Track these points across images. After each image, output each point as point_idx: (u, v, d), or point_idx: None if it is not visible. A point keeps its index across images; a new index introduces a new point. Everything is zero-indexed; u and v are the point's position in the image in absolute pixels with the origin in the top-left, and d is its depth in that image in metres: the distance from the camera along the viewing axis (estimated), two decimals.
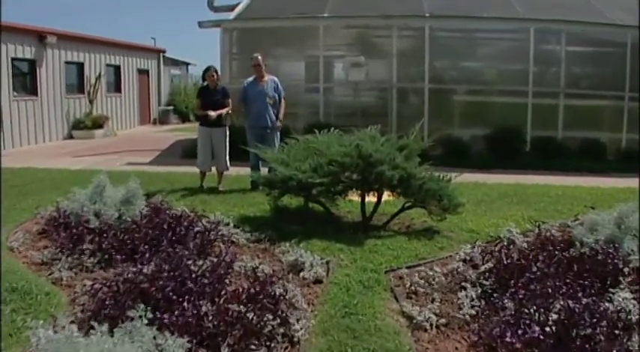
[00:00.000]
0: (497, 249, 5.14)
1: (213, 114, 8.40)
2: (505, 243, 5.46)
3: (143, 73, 23.81)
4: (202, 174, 8.93)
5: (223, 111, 8.61)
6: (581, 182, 10.06)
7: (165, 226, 5.81)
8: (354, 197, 6.68)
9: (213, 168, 8.91)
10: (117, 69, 21.50)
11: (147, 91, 24.30)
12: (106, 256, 5.38)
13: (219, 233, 5.92)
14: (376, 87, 13.70)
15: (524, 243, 5.49)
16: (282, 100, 8.77)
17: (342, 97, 14.11)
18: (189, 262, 4.78)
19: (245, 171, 9.10)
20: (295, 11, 13.38)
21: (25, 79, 16.40)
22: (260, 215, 7.04)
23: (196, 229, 5.90)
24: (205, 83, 8.80)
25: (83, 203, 6.32)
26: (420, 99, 12.70)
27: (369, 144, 5.92)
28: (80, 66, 18.86)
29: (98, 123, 18.57)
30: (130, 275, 4.46)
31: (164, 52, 26.05)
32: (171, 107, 25.49)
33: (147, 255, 5.18)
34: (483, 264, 4.91)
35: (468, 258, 5.26)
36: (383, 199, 6.51)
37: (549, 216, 7.22)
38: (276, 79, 8.81)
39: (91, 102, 18.85)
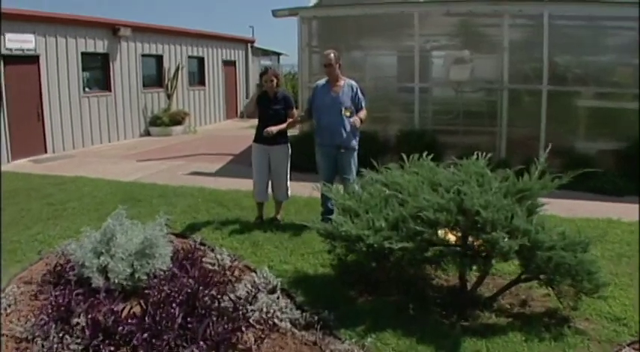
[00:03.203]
0: None
1: (273, 129, 6.59)
2: None
3: (229, 64, 22.58)
4: (260, 205, 7.15)
5: (284, 125, 6.79)
6: None
7: (180, 298, 4.18)
8: (450, 236, 4.68)
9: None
10: (200, 61, 20.34)
11: (234, 84, 23.09)
12: (95, 342, 3.86)
13: (256, 310, 4.22)
14: (483, 87, 11.31)
15: None
16: (364, 110, 6.73)
17: (442, 99, 11.83)
18: None
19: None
20: None
21: (98, 74, 15.39)
22: (321, 273, 5.26)
23: (224, 303, 4.24)
24: (263, 89, 6.96)
25: (85, 255, 4.80)
26: (536, 103, 10.30)
27: (476, 191, 3.98)
28: (159, 58, 17.77)
29: (176, 120, 17.45)
30: None
31: (253, 42, 24.72)
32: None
33: None
34: None
35: None
36: None
37: None
38: (354, 83, 6.77)
39: (169, 96, 17.78)
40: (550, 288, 4.28)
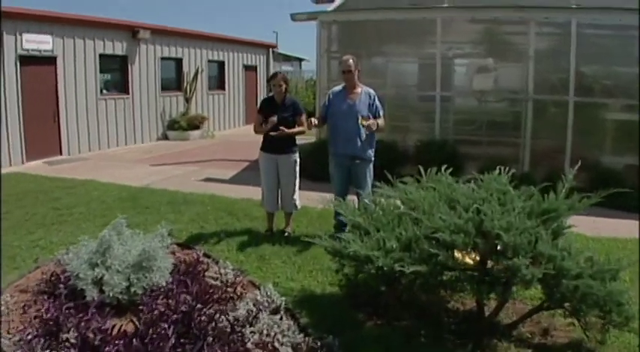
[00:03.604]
0: None
1: (284, 130, 6.28)
2: None
3: (250, 69, 22.38)
4: (270, 215, 6.83)
5: (294, 130, 6.48)
6: None
7: (175, 317, 3.90)
8: (468, 259, 4.31)
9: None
10: (221, 65, 20.17)
11: (254, 89, 22.86)
12: None
13: (256, 332, 3.93)
14: (507, 98, 10.86)
15: None
16: (382, 119, 6.38)
17: (464, 109, 11.38)
18: None
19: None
20: (408, 1, 10.97)
21: (116, 77, 15.27)
22: (329, 292, 4.94)
23: (222, 324, 3.94)
24: (271, 94, 6.64)
25: (80, 266, 4.54)
26: (562, 114, 9.85)
27: (497, 211, 3.64)
28: (178, 62, 17.61)
29: (194, 124, 17.25)
30: None
31: (274, 47, 24.55)
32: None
33: None
34: None
35: None
36: None
37: None
38: (372, 91, 6.44)
39: (187, 100, 17.59)
40: (575, 319, 3.92)
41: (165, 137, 16.89)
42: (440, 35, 10.43)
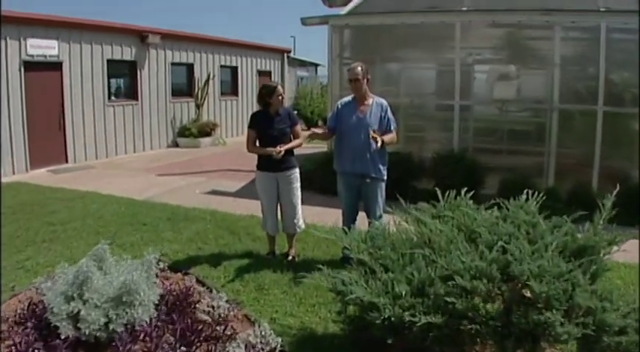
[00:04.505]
0: None
1: (280, 149, 5.68)
2: None
3: (264, 74, 21.91)
4: (271, 237, 6.27)
5: (294, 144, 5.93)
6: None
7: None
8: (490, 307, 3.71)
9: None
10: (234, 70, 19.72)
11: None
12: None
13: None
14: (530, 107, 10.19)
15: None
16: (393, 133, 5.82)
17: (484, 119, 10.64)
18: None
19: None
20: (425, 4, 10.36)
21: (124, 82, 14.90)
22: (332, 332, 4.38)
23: None
24: (261, 108, 6.03)
25: (54, 299, 4.05)
26: (590, 125, 9.17)
27: (526, 250, 3.08)
28: (189, 67, 17.19)
29: (205, 131, 16.84)
30: None
31: (289, 52, 24.10)
32: (294, 112, 23.51)
33: None
34: None
35: None
36: None
37: None
38: (384, 102, 5.87)
39: (198, 106, 17.16)
40: None
41: (175, 144, 16.51)
42: (459, 40, 9.79)
